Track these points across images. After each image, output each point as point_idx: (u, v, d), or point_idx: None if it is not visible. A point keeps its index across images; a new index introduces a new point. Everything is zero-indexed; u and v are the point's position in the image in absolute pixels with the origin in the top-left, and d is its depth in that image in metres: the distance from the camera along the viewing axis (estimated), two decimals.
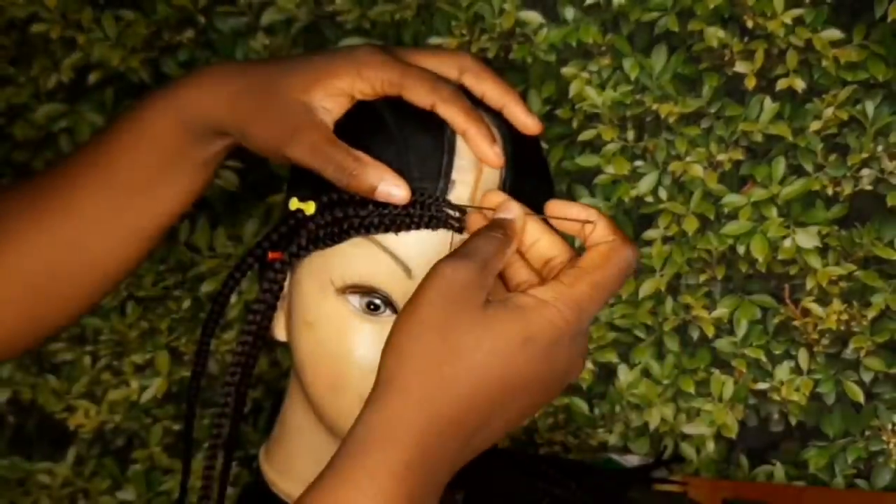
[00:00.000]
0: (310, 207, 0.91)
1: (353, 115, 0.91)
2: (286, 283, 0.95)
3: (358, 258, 0.91)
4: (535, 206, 0.90)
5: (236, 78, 0.93)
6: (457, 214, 0.89)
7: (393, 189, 0.88)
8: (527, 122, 0.93)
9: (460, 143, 0.90)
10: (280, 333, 0.97)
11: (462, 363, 0.78)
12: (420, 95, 0.90)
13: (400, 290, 0.90)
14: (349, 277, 0.91)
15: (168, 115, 0.95)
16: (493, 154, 0.89)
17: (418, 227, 0.89)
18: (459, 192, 0.90)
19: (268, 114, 0.91)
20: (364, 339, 0.91)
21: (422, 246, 0.90)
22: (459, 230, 0.89)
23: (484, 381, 0.78)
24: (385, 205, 0.89)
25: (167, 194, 0.98)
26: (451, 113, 0.89)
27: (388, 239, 0.90)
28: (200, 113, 0.94)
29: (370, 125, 0.91)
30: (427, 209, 0.89)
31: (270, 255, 0.93)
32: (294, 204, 0.92)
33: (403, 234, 0.90)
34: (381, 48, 0.93)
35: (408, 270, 0.90)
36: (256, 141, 0.92)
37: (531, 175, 0.93)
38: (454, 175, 0.90)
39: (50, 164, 1.00)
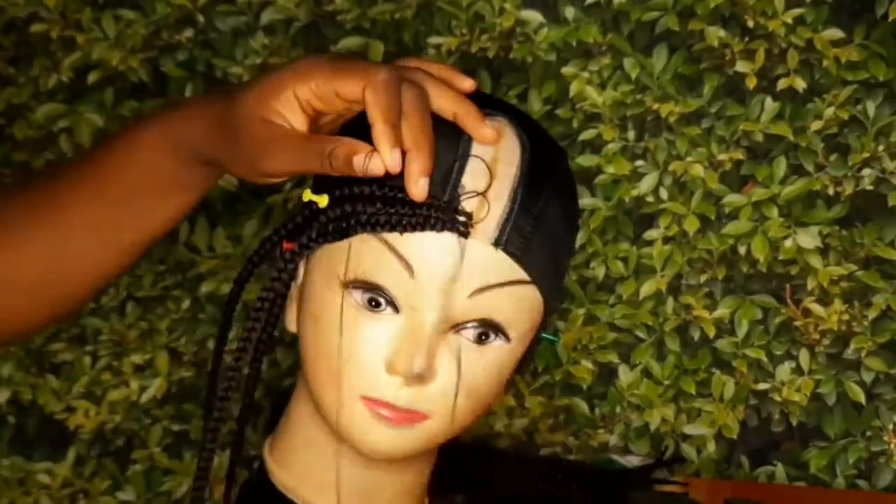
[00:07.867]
0: (322, 200, 0.92)
1: (364, 121, 0.90)
2: (300, 275, 0.96)
3: (364, 254, 0.91)
4: (545, 225, 0.91)
5: (211, 109, 0.94)
6: (463, 219, 0.90)
7: (371, 162, 0.87)
8: (482, 131, 0.91)
9: (474, 150, 0.91)
10: (291, 325, 0.98)
11: None
12: (350, 85, 0.88)
13: (402, 289, 0.91)
14: (354, 272, 0.92)
15: (158, 140, 0.97)
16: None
17: (423, 228, 0.90)
18: (468, 199, 0.90)
19: (237, 142, 0.91)
20: (362, 335, 0.91)
21: (426, 247, 0.90)
22: (465, 234, 0.90)
23: None
24: (393, 203, 0.90)
25: (156, 213, 0.99)
26: (374, 99, 0.89)
27: (395, 238, 0.91)
28: (187, 142, 0.95)
29: None
30: (434, 211, 0.90)
31: (285, 244, 0.94)
32: (307, 195, 0.93)
33: (409, 235, 0.90)
34: (326, 56, 0.92)
35: (410, 270, 0.91)
36: (237, 170, 0.93)
37: (545, 193, 0.93)
38: (464, 180, 0.91)
39: (40, 174, 1.01)
